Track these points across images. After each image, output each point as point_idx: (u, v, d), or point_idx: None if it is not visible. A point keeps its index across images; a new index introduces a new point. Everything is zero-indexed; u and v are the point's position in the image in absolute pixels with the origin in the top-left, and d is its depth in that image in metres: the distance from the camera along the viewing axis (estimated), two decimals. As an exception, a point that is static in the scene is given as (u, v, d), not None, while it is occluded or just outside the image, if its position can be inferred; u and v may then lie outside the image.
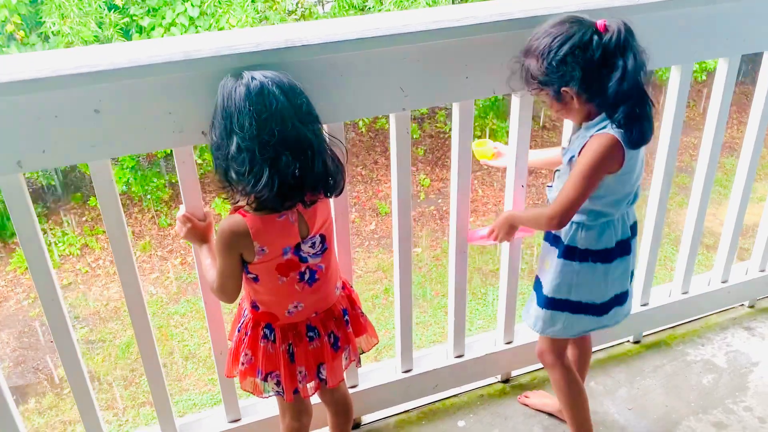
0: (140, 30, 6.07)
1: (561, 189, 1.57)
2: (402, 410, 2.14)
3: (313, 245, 1.45)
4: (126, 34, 6.03)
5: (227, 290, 1.46)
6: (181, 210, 1.56)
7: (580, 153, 1.56)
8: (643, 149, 1.59)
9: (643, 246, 2.23)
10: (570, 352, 1.97)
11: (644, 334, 2.41)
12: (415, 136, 8.39)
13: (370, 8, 6.36)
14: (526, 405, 2.16)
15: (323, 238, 1.47)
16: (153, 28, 6.07)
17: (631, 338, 2.40)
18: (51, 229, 7.55)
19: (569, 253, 1.69)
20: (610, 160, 1.53)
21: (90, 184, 7.51)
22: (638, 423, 2.09)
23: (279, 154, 1.28)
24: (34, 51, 5.82)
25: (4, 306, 6.87)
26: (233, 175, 1.30)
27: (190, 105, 1.41)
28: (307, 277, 1.47)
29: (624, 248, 1.70)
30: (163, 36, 5.92)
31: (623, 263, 1.72)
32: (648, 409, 2.14)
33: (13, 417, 1.67)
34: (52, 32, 5.63)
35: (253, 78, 1.29)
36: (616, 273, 1.72)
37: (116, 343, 6.42)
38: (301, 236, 1.42)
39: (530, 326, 1.83)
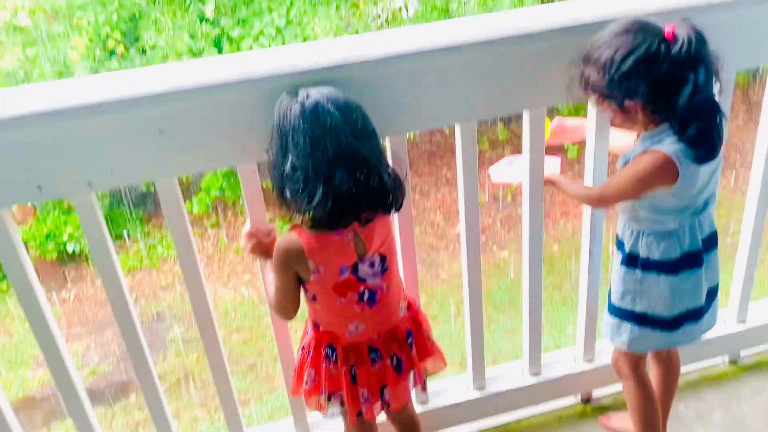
0: (230, 41, 6.28)
1: (613, 177, 1.54)
2: (475, 429, 2.07)
3: (372, 265, 1.42)
4: (217, 45, 6.25)
5: (285, 307, 1.46)
6: (246, 226, 1.57)
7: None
8: (716, 160, 1.47)
9: (739, 257, 2.06)
10: (655, 371, 1.85)
11: (743, 354, 2.22)
12: (501, 138, 8.23)
13: (453, 11, 6.28)
14: (608, 427, 2.04)
15: (383, 258, 1.43)
16: (242, 39, 6.26)
17: (727, 358, 2.21)
18: (150, 233, 7.94)
19: (631, 260, 1.61)
20: (659, 179, 1.45)
21: (187, 189, 7.86)
22: (733, 453, 1.92)
23: (333, 171, 1.26)
24: (133, 65, 6.15)
25: (107, 306, 7.30)
26: (288, 193, 1.29)
27: (251, 123, 1.41)
28: (366, 297, 1.44)
29: (693, 260, 1.58)
30: (251, 47, 6.09)
31: (693, 276, 1.59)
32: (745, 437, 1.97)
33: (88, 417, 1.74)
34: (150, 46, 5.92)
35: (308, 95, 1.27)
36: (684, 286, 1.60)
37: (210, 343, 6.67)
38: (358, 255, 1.39)
39: (603, 333, 1.77)
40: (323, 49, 1.48)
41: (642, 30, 1.35)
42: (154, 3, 6.04)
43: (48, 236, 7.09)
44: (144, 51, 6.09)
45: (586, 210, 1.81)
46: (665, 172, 1.43)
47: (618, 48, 1.35)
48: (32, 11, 5.74)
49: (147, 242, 7.69)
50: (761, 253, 2.08)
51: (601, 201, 1.64)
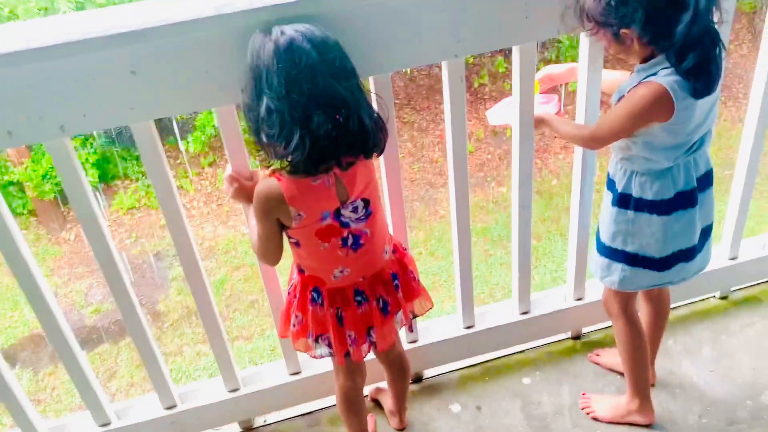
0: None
1: (606, 115, 1.48)
2: (465, 365, 2.09)
3: (355, 210, 1.39)
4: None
5: (268, 254, 1.44)
6: (228, 170, 1.53)
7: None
8: (714, 95, 1.42)
9: (733, 192, 2.03)
10: (645, 309, 1.86)
11: (733, 289, 2.22)
12: (501, 70, 8.05)
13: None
14: (597, 363, 2.06)
15: (367, 202, 1.40)
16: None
17: (717, 294, 2.22)
18: (145, 174, 7.90)
19: (623, 201, 1.58)
20: (654, 113, 1.40)
21: (182, 127, 7.76)
22: (720, 387, 1.95)
23: (310, 113, 1.21)
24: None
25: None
26: (264, 137, 1.25)
27: (227, 63, 1.35)
28: (350, 242, 1.42)
29: (687, 200, 1.55)
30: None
31: (687, 216, 1.57)
32: (733, 371, 1.98)
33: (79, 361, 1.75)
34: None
35: (282, 32, 1.21)
36: (677, 226, 1.57)
37: (211, 280, 6.75)
38: (341, 201, 1.36)
39: (592, 272, 1.76)
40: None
41: None
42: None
43: (44, 176, 7.05)
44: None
45: (578, 147, 1.77)
46: (660, 105, 1.38)
47: None
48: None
49: (144, 181, 7.66)
50: (758, 185, 2.05)
51: (594, 141, 1.57)
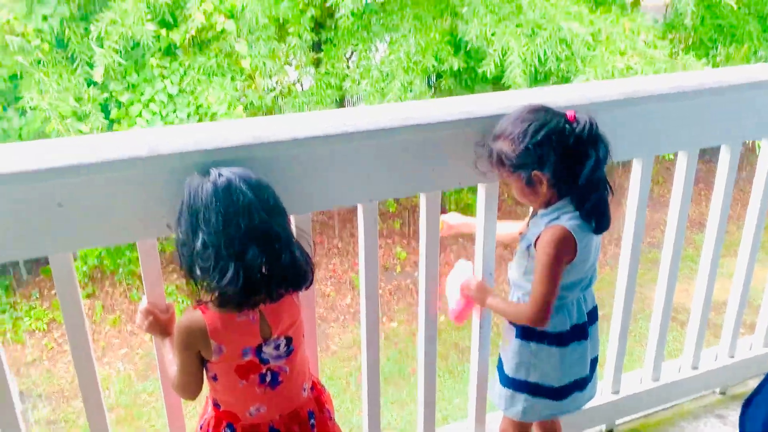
0: (119, 105, 6.13)
1: (532, 287, 1.60)
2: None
3: (277, 347, 1.42)
4: (104, 110, 6.07)
5: (187, 387, 1.42)
6: (143, 302, 1.53)
7: (535, 243, 1.59)
8: (598, 236, 1.63)
9: (612, 331, 2.23)
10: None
11: (617, 422, 2.38)
12: (391, 209, 8.45)
13: (346, 88, 6.50)
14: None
15: (289, 340, 1.44)
16: (132, 104, 6.13)
17: (603, 427, 2.36)
18: (18, 303, 7.36)
19: (526, 333, 1.70)
20: (565, 253, 1.57)
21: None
22: None
23: (245, 248, 1.28)
24: (11, 126, 5.84)
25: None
26: (198, 271, 1.29)
27: (155, 199, 1.40)
28: (269, 379, 1.43)
29: (580, 333, 1.71)
30: (140, 113, 5.97)
31: (580, 348, 1.72)
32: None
33: None
34: (30, 107, 5.66)
35: (220, 174, 1.30)
36: (572, 357, 1.72)
37: (79, 423, 6.17)
38: (263, 337, 1.39)
39: (495, 403, 1.83)
40: (232, 128, 1.51)
41: (546, 111, 1.52)
42: (39, 63, 5.82)
43: None
44: (24, 111, 5.81)
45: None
46: (569, 244, 1.56)
47: (531, 122, 1.50)
48: None
49: (12, 314, 7.10)
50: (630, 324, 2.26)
51: (540, 312, 1.58)
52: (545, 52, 5.78)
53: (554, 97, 1.72)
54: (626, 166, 1.94)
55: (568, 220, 1.56)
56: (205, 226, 1.26)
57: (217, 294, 1.32)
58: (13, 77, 5.79)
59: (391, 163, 1.62)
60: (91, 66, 5.82)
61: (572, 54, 5.79)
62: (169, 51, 6.03)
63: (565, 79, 6.00)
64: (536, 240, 1.59)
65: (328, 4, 6.06)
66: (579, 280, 1.66)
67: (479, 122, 1.61)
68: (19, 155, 1.33)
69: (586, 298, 1.72)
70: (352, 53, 6.80)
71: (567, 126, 1.50)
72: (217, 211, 1.26)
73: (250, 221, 1.27)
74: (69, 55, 5.97)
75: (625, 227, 2.07)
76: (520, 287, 1.72)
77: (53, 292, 7.48)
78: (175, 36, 5.82)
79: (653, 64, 5.68)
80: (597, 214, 1.56)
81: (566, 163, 1.51)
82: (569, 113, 1.52)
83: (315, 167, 1.54)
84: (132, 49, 5.86)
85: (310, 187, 1.55)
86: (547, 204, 1.59)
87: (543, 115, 1.51)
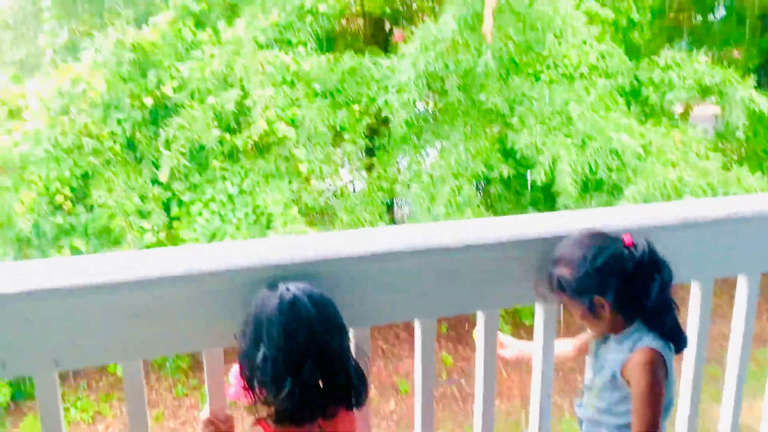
0: (180, 204, 6.41)
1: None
2: None
3: (334, 460, 1.43)
4: (166, 208, 6.36)
5: None
6: (204, 412, 1.56)
7: (622, 371, 1.56)
8: None
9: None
10: None
11: None
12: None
13: (397, 191, 6.68)
14: None
15: (345, 453, 1.45)
16: (193, 203, 6.41)
17: None
18: (65, 395, 7.44)
19: None
20: (662, 375, 1.54)
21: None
22: None
23: (303, 363, 1.31)
24: (78, 221, 6.14)
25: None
26: (256, 383, 1.33)
27: (224, 310, 1.46)
28: (325, 491, 1.43)
29: None
30: (200, 212, 6.23)
31: None
32: None
33: None
34: (98, 204, 5.97)
35: (287, 289, 1.36)
36: None
37: None
38: (321, 451, 1.40)
39: None
40: (298, 244, 1.59)
41: (604, 236, 1.55)
42: (108, 163, 6.20)
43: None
44: (91, 208, 6.13)
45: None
46: (661, 367, 1.53)
47: (589, 247, 1.52)
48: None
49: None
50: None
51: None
52: (596, 162, 5.85)
53: (609, 219, 1.75)
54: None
55: (652, 340, 1.54)
56: (267, 338, 1.32)
57: (273, 409, 1.34)
58: (85, 176, 6.15)
59: (450, 281, 1.66)
60: (157, 167, 6.15)
61: (623, 165, 5.84)
62: (232, 154, 6.34)
63: (617, 188, 6.03)
64: (623, 368, 1.56)
65: (383, 115, 6.34)
66: (669, 403, 1.61)
67: (539, 243, 1.65)
68: (108, 267, 1.42)
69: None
70: (403, 158, 7.04)
71: (626, 251, 1.52)
72: (279, 325, 1.31)
73: (310, 337, 1.32)
74: (137, 156, 6.35)
75: (685, 352, 2.03)
76: (602, 423, 1.65)
77: (100, 383, 7.56)
78: (238, 140, 6.14)
79: (706, 176, 5.68)
80: (675, 335, 1.56)
81: (628, 288, 1.51)
82: (626, 237, 1.54)
83: (375, 281, 1.59)
84: (197, 152, 6.19)
85: (370, 302, 1.60)
86: (614, 328, 1.59)
87: (600, 241, 1.54)
